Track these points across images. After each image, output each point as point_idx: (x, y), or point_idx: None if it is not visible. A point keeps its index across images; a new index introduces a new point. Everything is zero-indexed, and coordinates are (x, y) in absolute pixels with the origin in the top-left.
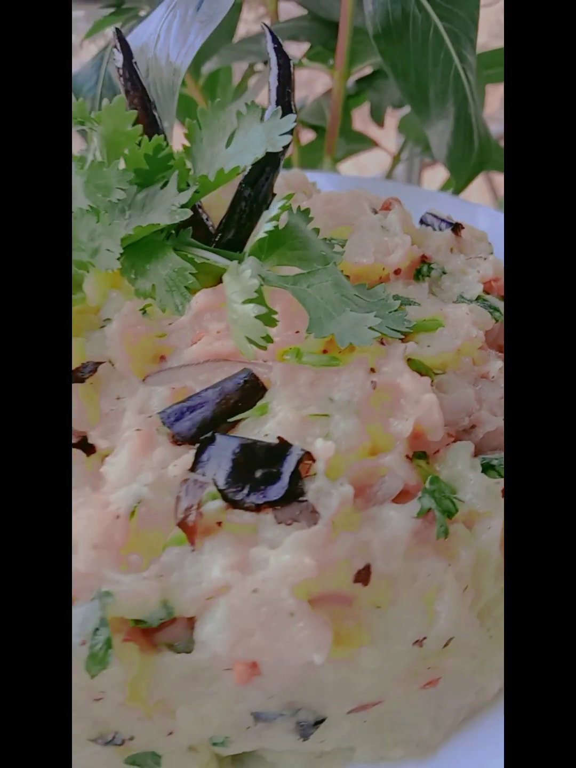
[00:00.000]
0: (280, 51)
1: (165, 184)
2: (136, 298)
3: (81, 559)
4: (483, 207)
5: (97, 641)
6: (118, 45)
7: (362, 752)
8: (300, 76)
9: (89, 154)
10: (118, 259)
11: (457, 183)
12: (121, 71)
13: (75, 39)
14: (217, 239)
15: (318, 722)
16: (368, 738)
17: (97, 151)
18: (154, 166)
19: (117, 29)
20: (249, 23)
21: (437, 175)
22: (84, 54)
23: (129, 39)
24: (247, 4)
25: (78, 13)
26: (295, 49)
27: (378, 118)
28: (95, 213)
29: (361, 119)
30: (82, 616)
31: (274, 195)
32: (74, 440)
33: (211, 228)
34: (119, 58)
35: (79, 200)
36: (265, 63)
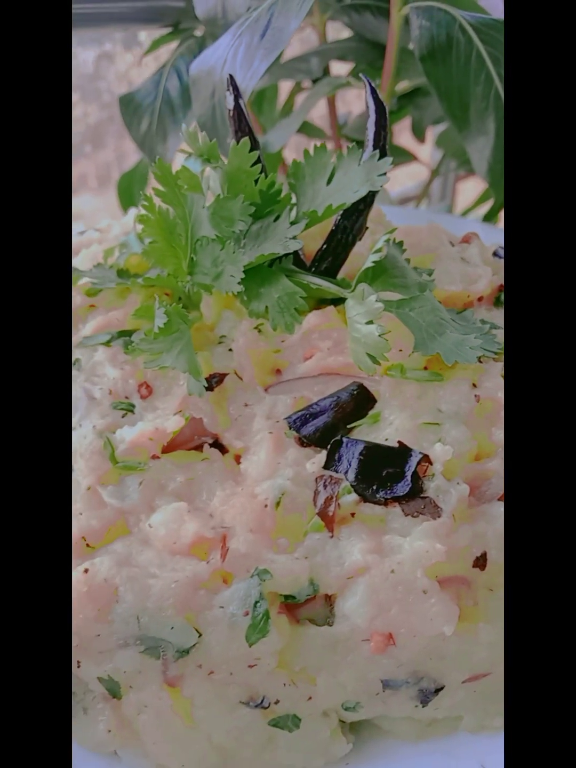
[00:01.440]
0: (376, 99)
1: (277, 218)
2: (248, 318)
3: (241, 541)
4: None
5: (258, 613)
6: (230, 88)
7: (468, 720)
8: (345, 93)
9: (203, 184)
10: (239, 283)
11: (497, 197)
12: (231, 113)
13: (135, 57)
14: (315, 266)
15: (438, 690)
16: (475, 707)
17: (211, 182)
18: (265, 201)
19: (230, 75)
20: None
21: (470, 187)
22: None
23: (196, 62)
24: None
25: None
26: (342, 68)
27: (419, 134)
28: (220, 242)
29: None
30: (244, 590)
31: (367, 228)
32: (209, 441)
33: (301, 256)
34: (230, 100)
35: (205, 229)
36: (314, 81)
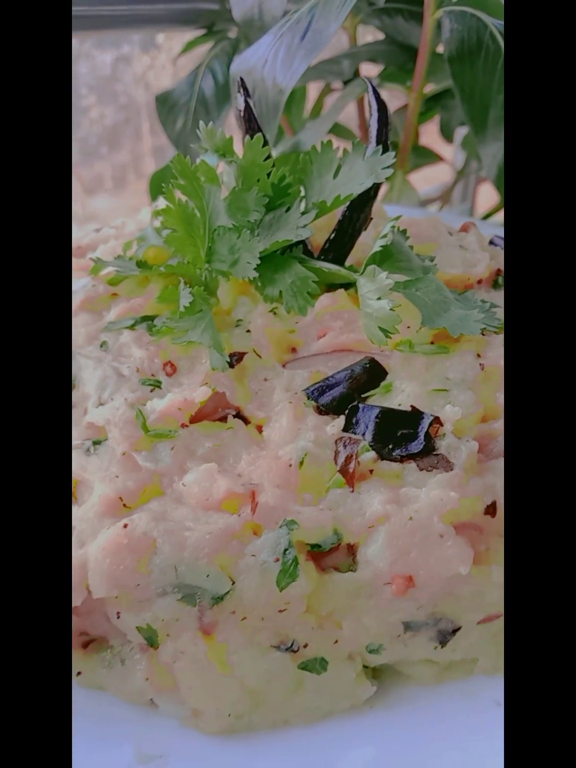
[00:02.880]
0: (378, 98)
1: (289, 209)
2: (263, 302)
3: (269, 496)
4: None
5: (287, 559)
6: (241, 90)
7: (483, 662)
8: None
9: (221, 178)
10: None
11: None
12: (242, 113)
13: (153, 60)
14: (324, 255)
15: (455, 631)
16: (489, 649)
17: (225, 176)
18: (277, 193)
19: (241, 78)
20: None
21: (491, 189)
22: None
23: (237, 61)
24: None
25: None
26: (372, 70)
27: (448, 135)
28: (237, 230)
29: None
30: (274, 539)
31: (371, 219)
32: (232, 413)
33: (309, 247)
34: (241, 101)
35: (222, 219)
36: (345, 83)
